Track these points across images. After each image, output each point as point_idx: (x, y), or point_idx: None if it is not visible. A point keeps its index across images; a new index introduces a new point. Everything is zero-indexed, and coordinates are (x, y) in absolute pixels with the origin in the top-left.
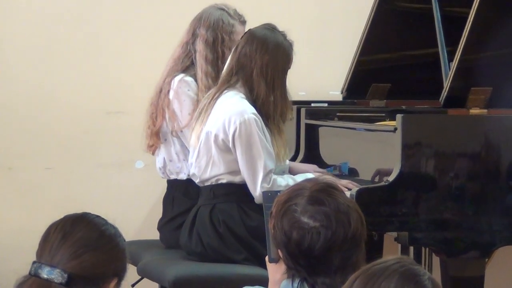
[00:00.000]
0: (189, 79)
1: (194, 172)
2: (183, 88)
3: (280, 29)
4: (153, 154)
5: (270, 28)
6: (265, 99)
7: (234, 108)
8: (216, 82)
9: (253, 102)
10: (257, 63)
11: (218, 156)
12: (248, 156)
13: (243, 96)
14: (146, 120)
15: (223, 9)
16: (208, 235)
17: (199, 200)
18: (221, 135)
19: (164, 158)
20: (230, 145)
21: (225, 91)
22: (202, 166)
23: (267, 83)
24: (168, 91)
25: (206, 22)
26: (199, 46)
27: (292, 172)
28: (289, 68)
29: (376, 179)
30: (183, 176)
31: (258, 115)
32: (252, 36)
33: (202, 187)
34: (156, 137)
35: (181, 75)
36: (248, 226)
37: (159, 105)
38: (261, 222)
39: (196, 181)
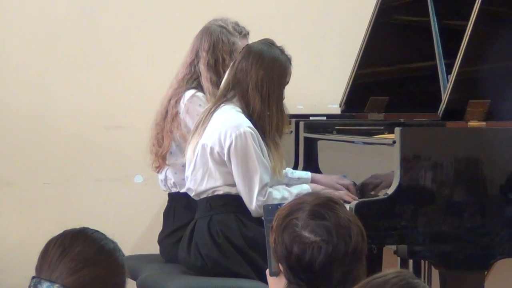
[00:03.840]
0: (200, 94)
1: (189, 186)
2: (194, 104)
3: (278, 44)
4: (157, 172)
5: (267, 43)
6: (261, 113)
7: (230, 121)
8: None
9: (249, 116)
10: (253, 78)
11: (214, 169)
12: (244, 169)
13: (239, 110)
14: (150, 138)
15: (222, 26)
16: (207, 246)
17: (196, 214)
18: (217, 148)
19: (166, 171)
20: (225, 158)
21: (222, 105)
22: (198, 178)
23: (263, 97)
24: (177, 112)
25: (206, 43)
26: (202, 68)
27: (314, 183)
28: (286, 82)
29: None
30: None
31: (254, 129)
32: (248, 51)
33: (199, 200)
34: (162, 159)
35: (193, 91)
36: (245, 236)
37: (166, 128)
38: (258, 233)
39: (192, 194)
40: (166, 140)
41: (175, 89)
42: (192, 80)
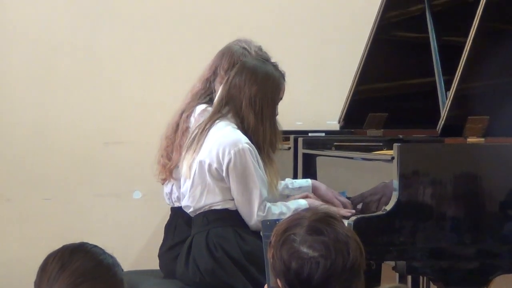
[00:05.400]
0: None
1: (187, 204)
2: (204, 118)
3: (278, 60)
4: (163, 184)
5: (261, 59)
6: (254, 129)
7: (227, 138)
8: None
9: (245, 132)
10: (246, 94)
11: (213, 184)
12: (243, 186)
13: (235, 126)
14: (159, 149)
15: (245, 48)
16: (205, 260)
17: (193, 229)
18: (215, 164)
19: (172, 185)
20: (224, 174)
21: (217, 121)
22: (197, 195)
23: (256, 113)
24: (187, 127)
25: (226, 63)
26: (217, 86)
27: (314, 191)
28: (280, 98)
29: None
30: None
31: (252, 145)
32: (242, 67)
33: (195, 216)
34: (169, 172)
35: (204, 105)
36: (244, 250)
37: (176, 142)
38: (256, 246)
39: (189, 211)
40: (176, 154)
41: (188, 103)
42: (205, 95)
